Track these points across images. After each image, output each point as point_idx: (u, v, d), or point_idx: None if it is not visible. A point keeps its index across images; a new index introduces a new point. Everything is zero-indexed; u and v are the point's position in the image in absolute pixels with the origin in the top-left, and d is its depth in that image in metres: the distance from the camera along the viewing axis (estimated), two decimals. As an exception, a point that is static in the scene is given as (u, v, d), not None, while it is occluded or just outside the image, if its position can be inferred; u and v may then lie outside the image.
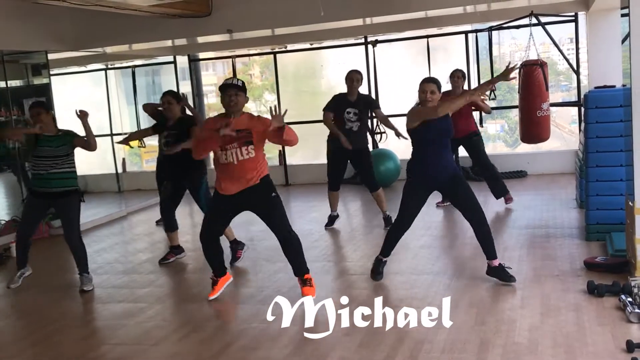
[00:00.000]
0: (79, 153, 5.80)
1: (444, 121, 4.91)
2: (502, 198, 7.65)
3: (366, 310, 4.60)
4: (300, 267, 5.03)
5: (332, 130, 6.99)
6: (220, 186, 4.94)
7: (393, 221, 5.39)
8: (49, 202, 5.69)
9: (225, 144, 4.78)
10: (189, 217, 8.42)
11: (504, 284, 4.93)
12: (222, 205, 5.00)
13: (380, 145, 10.00)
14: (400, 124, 5.86)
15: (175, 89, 10.76)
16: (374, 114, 7.53)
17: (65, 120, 6.52)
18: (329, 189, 7.29)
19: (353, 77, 6.91)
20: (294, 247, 5.00)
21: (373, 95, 10.07)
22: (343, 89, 7.07)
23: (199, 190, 6.22)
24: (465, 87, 7.82)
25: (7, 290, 5.85)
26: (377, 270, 5.31)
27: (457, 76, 7.48)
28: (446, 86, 7.79)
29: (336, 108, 6.98)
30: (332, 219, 7.42)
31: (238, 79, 4.86)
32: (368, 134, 7.44)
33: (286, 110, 4.68)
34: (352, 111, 6.95)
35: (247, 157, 4.80)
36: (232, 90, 4.79)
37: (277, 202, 4.95)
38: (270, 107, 4.64)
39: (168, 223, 6.42)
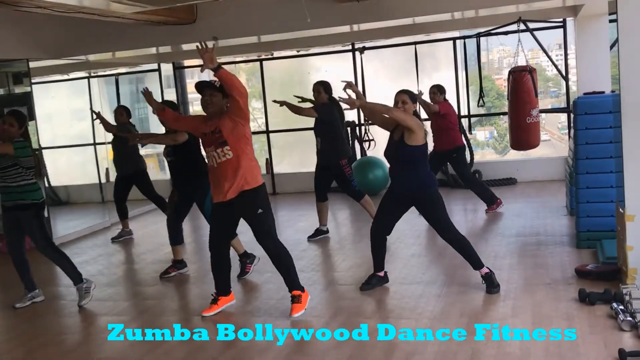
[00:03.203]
0: (59, 162, 5.65)
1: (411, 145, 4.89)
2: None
3: (356, 322, 4.56)
4: (289, 284, 4.90)
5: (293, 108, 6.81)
6: (212, 192, 4.85)
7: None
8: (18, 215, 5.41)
9: (206, 146, 4.73)
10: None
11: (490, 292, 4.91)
12: (218, 212, 4.86)
13: (369, 153, 9.96)
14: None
15: (159, 97, 10.67)
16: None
17: (47, 130, 6.39)
18: (316, 200, 7.19)
19: (313, 89, 6.86)
20: (280, 262, 4.87)
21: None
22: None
23: (204, 201, 5.89)
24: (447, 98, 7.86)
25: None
26: (368, 281, 5.27)
27: (432, 92, 7.68)
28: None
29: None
30: (318, 232, 7.25)
31: (215, 81, 4.68)
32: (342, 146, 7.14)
33: (215, 39, 4.54)
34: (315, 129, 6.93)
35: (224, 159, 4.63)
36: (208, 91, 4.69)
37: (261, 219, 4.75)
38: (197, 45, 4.42)
39: (174, 236, 6.12)
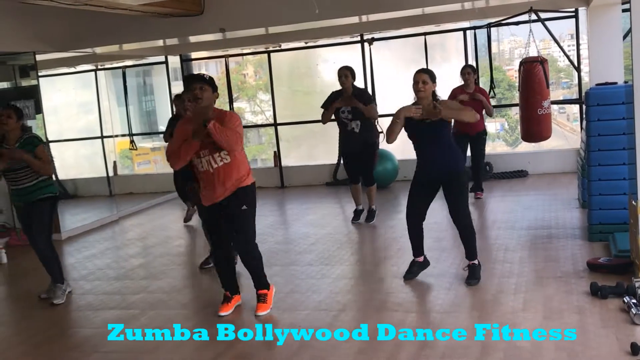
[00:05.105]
0: (67, 155, 5.62)
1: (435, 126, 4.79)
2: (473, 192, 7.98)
3: (365, 315, 4.52)
4: (257, 282, 4.80)
5: (327, 118, 7.00)
6: (202, 195, 4.64)
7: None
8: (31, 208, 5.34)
9: (198, 151, 4.44)
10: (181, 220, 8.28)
11: (500, 284, 4.87)
12: (209, 215, 4.72)
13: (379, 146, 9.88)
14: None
15: (167, 90, 10.65)
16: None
17: (54, 123, 6.36)
18: (350, 182, 7.32)
19: (340, 74, 6.87)
20: (251, 265, 4.74)
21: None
22: (338, 88, 7.02)
23: None
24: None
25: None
26: (409, 269, 5.22)
27: (467, 72, 7.79)
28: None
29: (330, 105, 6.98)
30: (357, 213, 7.39)
31: (205, 74, 4.47)
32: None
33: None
34: (345, 109, 6.88)
35: (221, 164, 4.44)
36: (197, 84, 4.33)
37: (245, 215, 4.56)
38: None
39: None
